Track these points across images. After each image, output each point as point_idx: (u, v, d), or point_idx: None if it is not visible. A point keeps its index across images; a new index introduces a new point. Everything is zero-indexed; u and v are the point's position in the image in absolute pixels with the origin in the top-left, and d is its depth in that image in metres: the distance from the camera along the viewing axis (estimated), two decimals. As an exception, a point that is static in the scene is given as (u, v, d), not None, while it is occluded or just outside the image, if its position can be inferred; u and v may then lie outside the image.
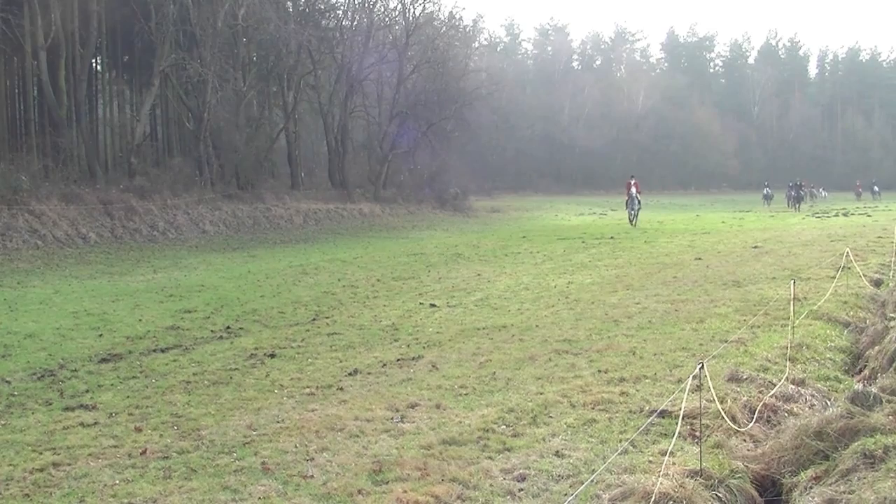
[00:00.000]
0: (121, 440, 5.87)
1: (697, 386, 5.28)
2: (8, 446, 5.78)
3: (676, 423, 5.29)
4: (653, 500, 4.40)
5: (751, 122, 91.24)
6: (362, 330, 10.32)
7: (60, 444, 5.80)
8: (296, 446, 5.60)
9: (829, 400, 6.61)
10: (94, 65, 32.96)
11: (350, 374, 7.81)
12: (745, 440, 5.70)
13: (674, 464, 4.98)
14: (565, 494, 4.67)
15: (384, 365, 8.23)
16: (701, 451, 5.02)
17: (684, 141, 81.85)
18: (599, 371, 7.57)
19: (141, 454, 5.50)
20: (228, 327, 10.64)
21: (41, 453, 5.60)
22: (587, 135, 74.98)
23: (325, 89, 40.55)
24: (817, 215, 36.19)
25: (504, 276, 15.68)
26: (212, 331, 10.43)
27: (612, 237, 24.90)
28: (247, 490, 4.85)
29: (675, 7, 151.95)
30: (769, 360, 7.65)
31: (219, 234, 26.95)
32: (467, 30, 57.98)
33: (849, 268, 12.88)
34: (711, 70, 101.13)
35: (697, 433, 5.40)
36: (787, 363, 7.44)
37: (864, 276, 12.98)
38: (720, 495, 4.77)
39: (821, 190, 57.74)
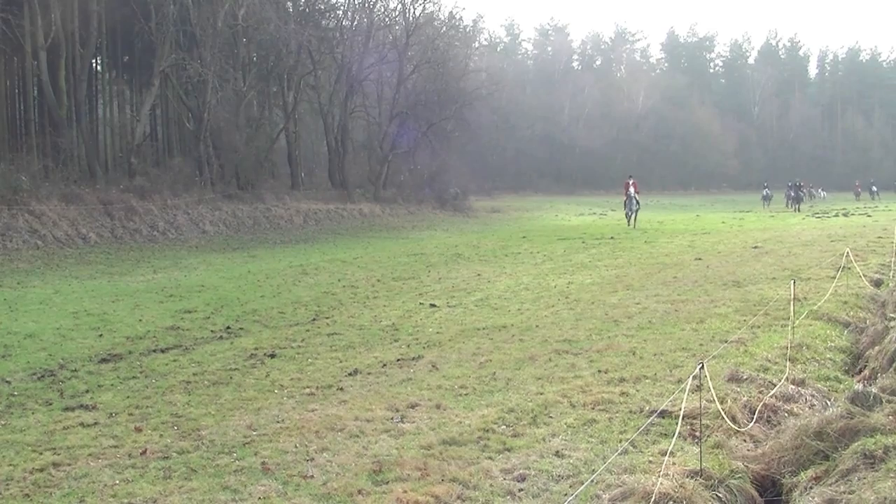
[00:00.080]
0: (121, 440, 5.87)
1: (697, 386, 5.28)
2: (8, 446, 5.78)
3: (676, 424, 5.29)
4: (653, 500, 4.40)
5: (751, 122, 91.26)
6: (362, 330, 10.33)
7: (60, 444, 5.80)
8: (296, 446, 5.60)
9: (829, 400, 6.61)
10: (94, 65, 32.97)
11: (350, 375, 7.82)
12: (745, 440, 5.70)
13: (674, 464, 4.98)
14: (565, 494, 4.67)
15: (384, 365, 8.23)
16: (701, 452, 5.02)
17: (684, 141, 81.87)
18: (599, 371, 7.57)
19: (141, 454, 5.50)
20: (228, 327, 10.64)
21: (41, 453, 5.60)
22: (587, 135, 75.00)
23: (325, 89, 40.56)
24: (817, 215, 36.19)
25: (504, 277, 15.68)
26: (212, 331, 10.43)
27: (612, 237, 24.90)
28: (247, 490, 4.85)
29: (675, 7, 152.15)
30: (769, 361, 7.65)
31: (219, 234, 26.95)
32: (467, 30, 58.08)
33: (849, 268, 12.88)
34: (711, 70, 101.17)
35: (697, 433, 5.40)
36: (787, 363, 7.44)
37: (865, 276, 12.98)
38: (720, 495, 4.77)
39: (820, 190, 57.83)
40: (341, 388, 7.29)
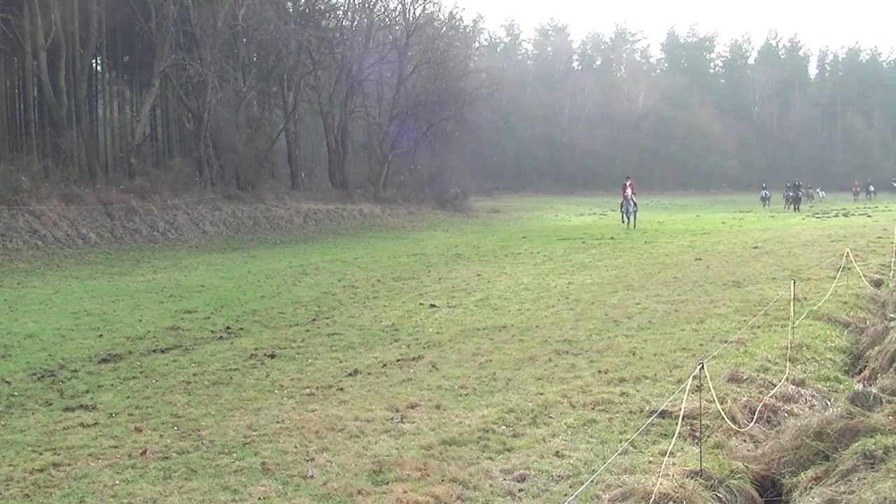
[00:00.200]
0: (121, 440, 5.87)
1: (697, 386, 5.28)
2: (8, 446, 5.78)
3: (676, 424, 5.29)
4: (653, 500, 4.40)
5: (751, 123, 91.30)
6: (362, 330, 10.32)
7: (60, 444, 5.80)
8: (296, 447, 5.60)
9: (829, 400, 6.61)
10: (94, 65, 32.98)
11: (350, 375, 7.81)
12: (745, 440, 5.70)
13: (674, 464, 4.98)
14: (565, 495, 4.67)
15: (384, 365, 8.23)
16: (701, 452, 5.02)
17: (684, 141, 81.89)
18: (599, 371, 7.57)
19: (141, 454, 5.50)
20: (228, 328, 10.64)
21: (41, 454, 5.60)
22: (587, 135, 75.02)
23: (326, 90, 40.56)
24: (817, 216, 36.18)
25: (504, 277, 15.68)
26: (212, 331, 10.43)
27: (612, 238, 24.90)
28: (247, 490, 4.85)
29: (675, 7, 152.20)
30: (769, 361, 7.65)
31: (219, 234, 26.96)
32: (467, 30, 58.03)
33: (849, 268, 12.87)
34: (711, 70, 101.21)
35: (697, 433, 5.40)
36: (788, 363, 7.44)
37: (865, 276, 12.97)
38: (720, 496, 4.77)
39: (818, 190, 57.87)
40: (341, 389, 7.29)
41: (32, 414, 6.67)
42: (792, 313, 8.61)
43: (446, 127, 46.86)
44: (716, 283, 13.53)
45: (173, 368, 8.30)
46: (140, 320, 11.25)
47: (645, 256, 18.78)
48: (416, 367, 8.08)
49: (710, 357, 7.53)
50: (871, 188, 59.69)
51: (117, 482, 5.02)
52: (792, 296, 8.62)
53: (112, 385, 7.63)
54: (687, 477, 4.79)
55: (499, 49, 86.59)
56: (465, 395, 6.96)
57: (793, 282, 9.07)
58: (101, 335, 10.15)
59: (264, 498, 4.75)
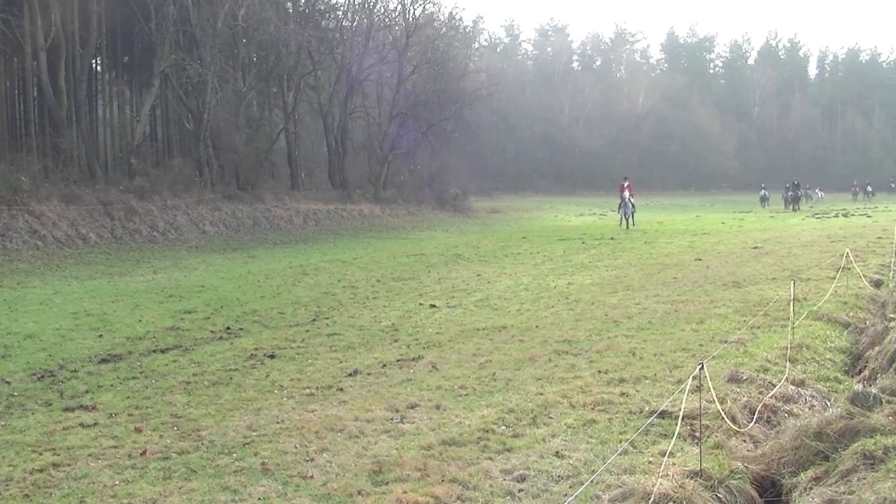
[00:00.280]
0: (121, 441, 5.87)
1: (697, 386, 5.28)
2: (8, 447, 5.78)
3: (676, 424, 5.29)
4: (652, 500, 4.40)
5: (751, 123, 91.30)
6: (362, 330, 10.32)
7: (60, 444, 5.80)
8: (296, 447, 5.60)
9: (829, 401, 6.61)
10: (94, 65, 32.98)
11: (350, 375, 7.81)
12: (744, 441, 5.70)
13: (674, 464, 4.98)
14: (565, 495, 4.67)
15: (384, 365, 8.23)
16: (701, 452, 5.02)
17: (684, 141, 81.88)
18: (599, 372, 7.57)
19: (141, 455, 5.50)
20: (228, 328, 10.64)
21: (41, 454, 5.60)
22: (587, 135, 75.01)
23: (325, 90, 40.56)
24: (817, 216, 36.18)
25: (504, 277, 15.68)
26: (212, 331, 10.43)
27: (612, 238, 24.90)
28: (247, 491, 4.85)
29: (675, 7, 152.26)
30: (769, 361, 7.66)
31: (219, 234, 26.95)
32: (467, 30, 58.06)
33: (849, 268, 12.87)
34: (711, 70, 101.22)
35: (697, 434, 5.40)
36: (787, 364, 7.44)
37: (864, 276, 12.98)
38: (720, 496, 4.77)
39: (817, 190, 57.90)
40: (341, 389, 7.29)
41: (32, 414, 6.67)
42: (792, 313, 8.61)
43: (446, 127, 46.86)
44: (716, 283, 13.53)
45: (173, 368, 8.30)
46: (140, 320, 11.25)
47: (645, 257, 18.78)
48: (415, 368, 8.08)
49: (710, 357, 7.53)
50: (869, 188, 59.81)
51: (117, 482, 5.02)
52: (792, 296, 8.62)
53: (112, 385, 7.63)
54: (687, 477, 4.79)
55: (498, 49, 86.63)
56: (465, 395, 6.96)
57: (793, 282, 9.08)
58: (100, 335, 10.15)
59: (264, 498, 4.75)
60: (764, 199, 49.82)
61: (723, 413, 5.58)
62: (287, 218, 31.38)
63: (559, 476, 5.00)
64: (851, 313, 10.37)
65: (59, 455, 5.55)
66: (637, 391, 6.83)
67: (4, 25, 25.00)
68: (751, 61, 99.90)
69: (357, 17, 41.65)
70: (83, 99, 29.43)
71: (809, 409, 6.36)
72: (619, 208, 30.69)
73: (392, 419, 6.24)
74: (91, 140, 29.75)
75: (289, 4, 39.42)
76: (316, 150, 47.59)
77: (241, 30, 34.16)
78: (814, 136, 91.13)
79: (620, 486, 4.71)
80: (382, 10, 43.02)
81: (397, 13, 43.54)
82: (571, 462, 5.22)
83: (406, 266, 18.20)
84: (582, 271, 16.31)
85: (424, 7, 44.13)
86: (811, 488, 4.83)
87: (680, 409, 5.16)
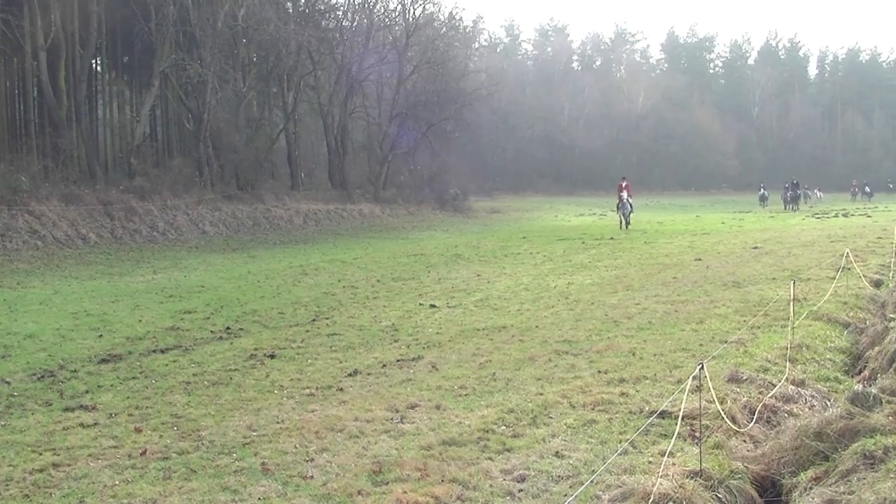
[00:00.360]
0: (121, 441, 5.87)
1: (697, 387, 5.28)
2: (8, 447, 5.78)
3: (676, 424, 5.29)
4: (652, 500, 4.40)
5: (751, 123, 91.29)
6: (362, 331, 10.32)
7: (60, 444, 5.80)
8: (295, 447, 5.60)
9: (829, 401, 6.61)
10: (93, 65, 32.97)
11: (350, 375, 7.81)
12: (744, 441, 5.70)
13: (673, 464, 4.98)
14: (565, 495, 4.67)
15: (384, 365, 8.23)
16: (701, 452, 5.02)
17: (684, 141, 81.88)
18: (599, 372, 7.57)
19: (141, 455, 5.50)
20: (228, 328, 10.64)
21: (41, 454, 5.60)
22: (587, 135, 75.01)
23: (325, 90, 40.56)
24: (817, 216, 36.18)
25: (504, 277, 15.68)
26: (212, 331, 10.43)
27: (611, 238, 24.90)
28: (246, 491, 4.85)
29: (675, 8, 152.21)
30: (769, 361, 7.66)
31: (218, 234, 26.96)
32: (467, 30, 58.08)
33: (849, 268, 12.88)
34: (711, 71, 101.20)
35: (697, 434, 5.40)
36: (787, 364, 7.44)
37: (864, 276, 12.98)
38: (720, 496, 4.77)
39: (816, 191, 57.89)
40: (341, 389, 7.29)
41: (32, 414, 6.67)
42: (792, 314, 8.61)
43: (446, 127, 46.87)
44: (715, 283, 13.53)
45: (173, 369, 8.30)
46: (140, 320, 11.25)
47: (645, 257, 18.78)
48: (415, 368, 8.08)
49: (710, 357, 7.53)
50: (868, 189, 59.85)
51: (117, 482, 5.02)
52: (792, 296, 8.62)
53: (112, 385, 7.63)
54: (687, 477, 4.79)
55: (498, 49, 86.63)
56: (465, 395, 6.96)
57: (792, 282, 9.08)
58: (100, 335, 10.16)
59: (264, 498, 4.75)
60: (763, 199, 49.72)
61: (723, 413, 5.58)
62: (287, 218, 31.38)
63: (559, 476, 5.00)
64: (851, 313, 10.37)
65: (59, 455, 5.55)
66: (637, 391, 6.83)
67: (4, 25, 25.00)
68: (751, 61, 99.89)
69: (357, 17, 41.67)
70: (83, 99, 29.42)
71: (809, 409, 6.36)
72: (617, 208, 30.54)
73: (392, 419, 6.24)
74: (91, 140, 29.75)
75: (289, 4, 39.43)
76: (316, 150, 47.59)
77: (241, 30, 34.16)
78: (814, 136, 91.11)
79: (620, 486, 4.71)
80: (382, 10, 43.10)
81: (397, 13, 43.62)
82: (571, 462, 5.22)
83: (406, 266, 18.20)
84: (582, 271, 16.31)
85: (424, 7, 44.23)
86: (811, 488, 4.83)
87: (680, 409, 5.16)
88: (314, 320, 11.20)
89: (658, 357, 8.12)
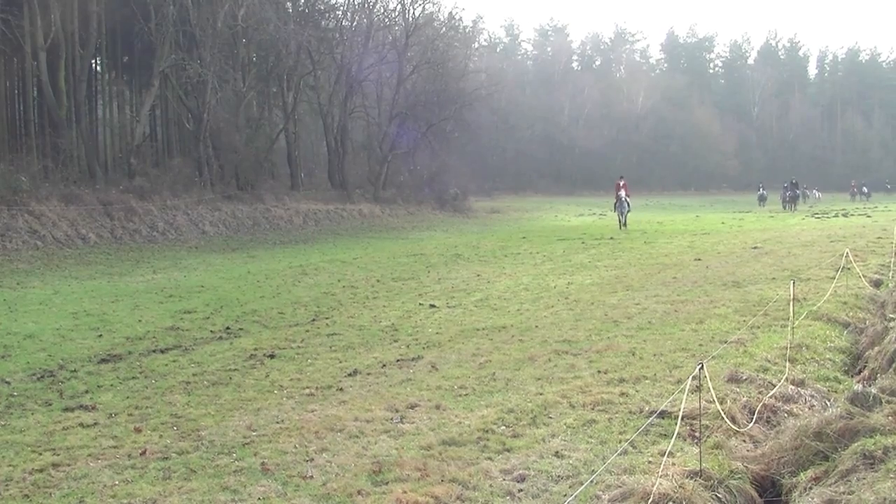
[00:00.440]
0: (120, 441, 5.87)
1: (697, 386, 5.28)
2: (7, 447, 5.78)
3: (676, 424, 5.29)
4: (652, 500, 4.40)
5: (750, 123, 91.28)
6: (362, 330, 10.32)
7: (60, 444, 5.80)
8: (295, 447, 5.60)
9: (829, 401, 6.62)
10: (93, 65, 32.95)
11: (350, 375, 7.81)
12: (744, 441, 5.70)
13: (673, 464, 4.98)
14: (565, 495, 4.67)
15: (384, 365, 8.23)
16: (700, 452, 5.02)
17: (684, 141, 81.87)
18: (599, 372, 7.57)
19: (140, 455, 5.50)
20: (228, 328, 10.64)
21: (41, 454, 5.60)
22: (587, 135, 75.01)
23: (325, 90, 40.56)
24: (817, 216, 36.18)
25: (504, 277, 15.68)
26: (211, 331, 10.43)
27: (611, 238, 24.90)
28: (246, 491, 4.85)
29: (675, 7, 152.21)
30: (769, 361, 7.66)
31: (218, 234, 26.96)
32: (467, 30, 58.08)
33: (848, 268, 12.88)
34: (711, 70, 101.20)
35: (697, 434, 5.40)
36: (787, 364, 7.44)
37: (864, 276, 12.98)
38: (720, 496, 4.77)
39: (814, 191, 57.89)
40: (341, 389, 7.29)
41: (32, 414, 6.67)
42: (791, 313, 8.61)
43: (446, 127, 46.88)
44: (715, 283, 13.53)
45: (173, 369, 8.30)
46: (140, 320, 11.25)
47: (644, 257, 18.78)
48: (415, 368, 8.08)
49: (710, 357, 7.53)
50: (865, 189, 59.89)
51: (117, 482, 5.02)
52: (791, 296, 8.62)
53: (112, 385, 7.63)
54: (686, 477, 4.79)
55: (498, 49, 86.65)
56: (465, 395, 6.96)
57: (792, 282, 9.08)
58: (100, 335, 10.16)
59: (264, 498, 4.75)
60: (762, 200, 49.51)
61: (722, 413, 5.58)
62: (287, 218, 31.38)
63: (559, 476, 5.00)
64: (851, 313, 10.37)
65: (58, 455, 5.55)
66: (637, 391, 6.83)
67: (4, 25, 24.99)
68: (750, 61, 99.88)
69: (357, 17, 41.67)
70: (83, 99, 29.41)
71: (809, 409, 6.36)
72: (614, 207, 30.39)
73: (392, 419, 6.24)
74: (91, 140, 29.74)
75: (289, 4, 39.43)
76: (316, 150, 47.59)
77: (241, 30, 34.16)
78: (813, 136, 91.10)
79: (620, 486, 4.71)
80: (382, 10, 43.09)
81: (397, 13, 43.61)
82: (571, 462, 5.22)
83: (406, 266, 18.20)
84: (582, 271, 16.31)
85: (424, 7, 44.22)
86: (811, 488, 4.83)
87: (680, 409, 5.16)
88: (314, 320, 11.20)
89: (658, 357, 8.12)
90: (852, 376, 7.80)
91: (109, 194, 25.12)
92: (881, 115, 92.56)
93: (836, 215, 36.40)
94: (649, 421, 5.75)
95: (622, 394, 6.73)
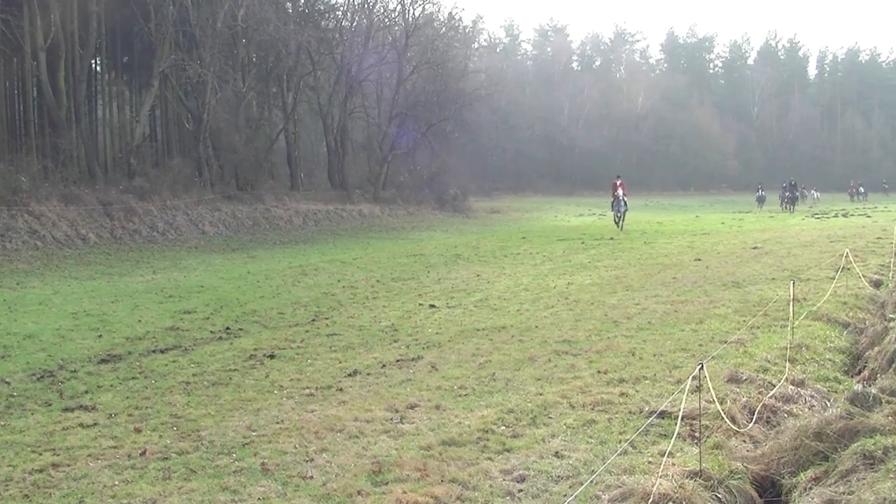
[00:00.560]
0: (120, 441, 5.87)
1: (697, 387, 5.28)
2: (7, 447, 5.78)
3: (676, 424, 5.29)
4: (652, 500, 4.40)
5: (750, 123, 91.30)
6: (362, 331, 10.32)
7: (60, 444, 5.80)
8: (295, 447, 5.60)
9: (829, 401, 6.62)
10: (93, 65, 32.95)
11: (349, 375, 7.81)
12: (744, 441, 5.70)
13: (673, 464, 4.98)
14: (565, 495, 4.67)
15: (383, 366, 8.23)
16: (700, 452, 5.02)
17: (684, 141, 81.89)
18: (599, 372, 7.57)
19: (140, 455, 5.50)
20: (228, 328, 10.64)
21: (41, 454, 5.60)
22: (587, 135, 75.03)
23: (325, 90, 40.56)
24: (816, 216, 36.18)
25: (503, 277, 15.68)
26: (211, 331, 10.43)
27: (611, 238, 24.91)
28: (246, 491, 4.85)
29: (675, 8, 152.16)
30: (769, 361, 7.66)
31: (218, 234, 26.95)
32: (467, 31, 58.15)
33: (848, 269, 12.88)
34: (711, 71, 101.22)
35: (697, 434, 5.40)
36: (787, 364, 7.44)
37: (864, 276, 12.98)
38: (720, 496, 4.77)
39: (813, 191, 57.92)
40: (341, 389, 7.29)
41: (32, 414, 6.67)
42: (791, 314, 8.61)
43: (446, 127, 46.90)
44: (715, 283, 13.53)
45: (173, 369, 8.30)
46: (139, 321, 11.25)
47: (644, 257, 18.78)
48: (415, 368, 8.08)
49: (710, 357, 7.53)
50: (862, 189, 59.95)
51: (117, 483, 5.02)
52: (791, 296, 8.62)
53: (111, 385, 7.63)
54: (686, 477, 4.79)
55: (498, 49, 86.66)
56: (465, 395, 6.96)
57: (792, 282, 9.07)
58: (100, 336, 10.15)
59: (264, 498, 4.75)
60: (760, 201, 49.14)
61: (722, 413, 5.58)
62: (287, 218, 31.38)
63: (559, 476, 5.00)
64: (851, 313, 10.37)
65: (58, 455, 5.55)
66: (637, 391, 6.83)
67: (4, 25, 24.98)
68: (750, 61, 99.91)
69: (357, 18, 41.67)
70: (83, 99, 29.40)
71: (809, 409, 6.36)
72: (612, 207, 30.24)
73: (392, 419, 6.24)
74: (91, 140, 29.74)
75: (288, 4, 39.43)
76: (315, 150, 47.60)
77: (241, 30, 34.16)
78: (813, 137, 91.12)
79: (620, 487, 4.71)
80: (382, 11, 43.10)
81: (397, 13, 43.62)
82: (571, 462, 5.22)
83: (406, 266, 18.20)
84: (581, 271, 16.31)
85: (424, 7, 44.23)
86: (811, 488, 4.83)
87: (679, 410, 5.16)
88: (314, 320, 11.20)
89: (658, 357, 8.12)
90: (852, 376, 7.80)
91: (109, 194, 25.12)
92: (881, 115, 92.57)
93: (835, 215, 36.41)
94: (649, 421, 5.75)
95: (622, 394, 6.73)
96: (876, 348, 8.20)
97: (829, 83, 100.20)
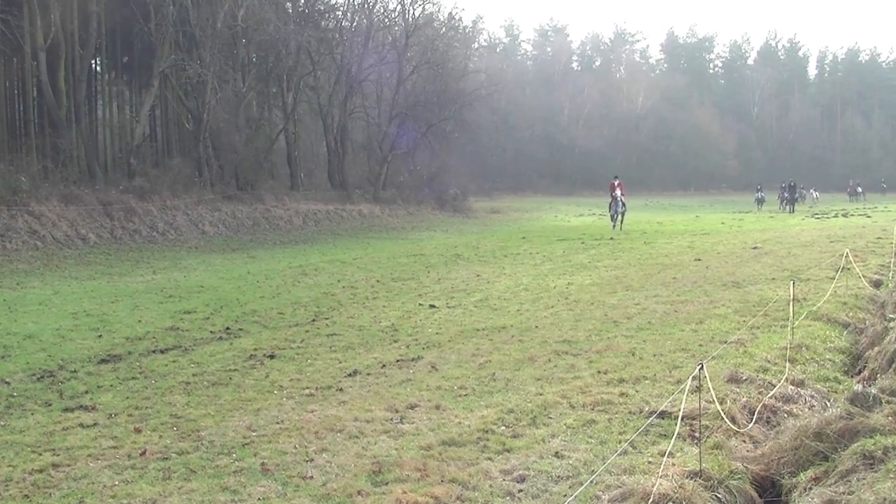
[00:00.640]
0: (120, 441, 5.87)
1: (697, 387, 5.28)
2: (7, 447, 5.78)
3: (676, 424, 5.29)
4: (652, 500, 4.40)
5: (750, 123, 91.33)
6: (362, 331, 10.32)
7: (60, 445, 5.80)
8: (295, 447, 5.60)
9: (829, 401, 6.61)
10: (93, 66, 32.96)
11: (349, 375, 7.81)
12: (744, 441, 5.70)
13: (673, 464, 4.98)
14: (565, 495, 4.67)
15: (383, 366, 8.23)
16: (700, 452, 5.02)
17: (684, 141, 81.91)
18: (599, 372, 7.57)
19: (140, 455, 5.50)
20: (228, 328, 10.64)
21: (40, 454, 5.60)
22: (587, 135, 75.07)
23: (325, 90, 40.57)
24: (816, 216, 36.18)
25: (503, 277, 15.68)
26: (211, 332, 10.43)
27: (611, 238, 24.91)
28: (246, 491, 4.85)
29: (675, 8, 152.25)
30: (769, 361, 7.66)
31: (218, 234, 26.95)
32: (467, 31, 58.16)
33: (848, 269, 12.88)
34: (711, 71, 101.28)
35: (697, 434, 5.40)
36: (787, 364, 7.44)
37: (864, 276, 12.98)
38: (720, 496, 4.77)
39: (812, 191, 57.95)
40: (341, 389, 7.29)
41: (32, 414, 6.67)
42: (791, 314, 8.61)
43: (446, 127, 46.91)
44: (715, 283, 13.53)
45: (173, 369, 8.30)
46: (139, 321, 11.25)
47: (644, 257, 18.78)
48: (415, 368, 8.08)
49: (710, 357, 7.53)
50: (859, 189, 60.00)
51: (117, 483, 5.02)
52: (791, 296, 8.62)
53: (111, 385, 7.63)
54: (686, 477, 4.79)
55: (498, 49, 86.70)
56: (465, 395, 6.96)
57: (792, 282, 9.07)
58: (100, 336, 10.15)
59: (264, 498, 4.75)
60: (759, 202, 48.87)
61: (722, 413, 5.58)
62: (287, 218, 31.38)
63: (559, 476, 5.00)
64: (851, 313, 10.37)
65: (58, 455, 5.55)
66: (637, 391, 6.83)
67: (4, 25, 24.99)
68: (750, 61, 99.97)
69: (357, 18, 41.68)
70: (83, 99, 29.41)
71: (809, 409, 6.36)
72: (609, 207, 30.10)
73: (392, 419, 6.24)
74: (91, 140, 29.74)
75: (288, 4, 39.44)
76: (315, 150, 47.60)
77: (241, 30, 34.16)
78: (813, 137, 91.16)
79: (620, 487, 4.71)
80: (382, 11, 43.11)
81: (397, 13, 43.64)
82: (571, 462, 5.22)
83: (406, 266, 18.20)
84: (581, 271, 16.31)
85: (424, 7, 44.25)
86: (811, 488, 4.83)
87: (679, 410, 5.16)
88: (314, 320, 11.20)
89: (658, 357, 8.12)
90: (852, 376, 7.80)
91: (109, 194, 25.12)
92: (881, 115, 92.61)
93: (835, 216, 36.41)
94: (649, 421, 5.75)
95: (622, 394, 6.73)
96: (876, 348, 8.20)
97: (829, 83, 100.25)
